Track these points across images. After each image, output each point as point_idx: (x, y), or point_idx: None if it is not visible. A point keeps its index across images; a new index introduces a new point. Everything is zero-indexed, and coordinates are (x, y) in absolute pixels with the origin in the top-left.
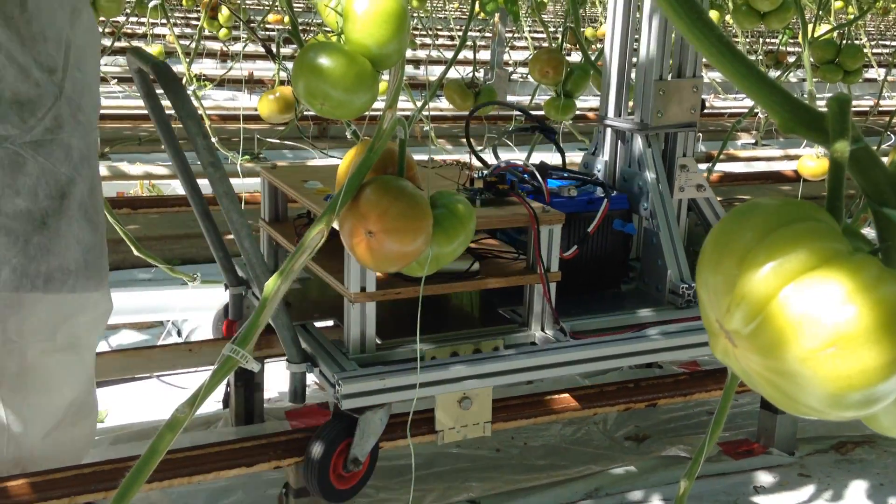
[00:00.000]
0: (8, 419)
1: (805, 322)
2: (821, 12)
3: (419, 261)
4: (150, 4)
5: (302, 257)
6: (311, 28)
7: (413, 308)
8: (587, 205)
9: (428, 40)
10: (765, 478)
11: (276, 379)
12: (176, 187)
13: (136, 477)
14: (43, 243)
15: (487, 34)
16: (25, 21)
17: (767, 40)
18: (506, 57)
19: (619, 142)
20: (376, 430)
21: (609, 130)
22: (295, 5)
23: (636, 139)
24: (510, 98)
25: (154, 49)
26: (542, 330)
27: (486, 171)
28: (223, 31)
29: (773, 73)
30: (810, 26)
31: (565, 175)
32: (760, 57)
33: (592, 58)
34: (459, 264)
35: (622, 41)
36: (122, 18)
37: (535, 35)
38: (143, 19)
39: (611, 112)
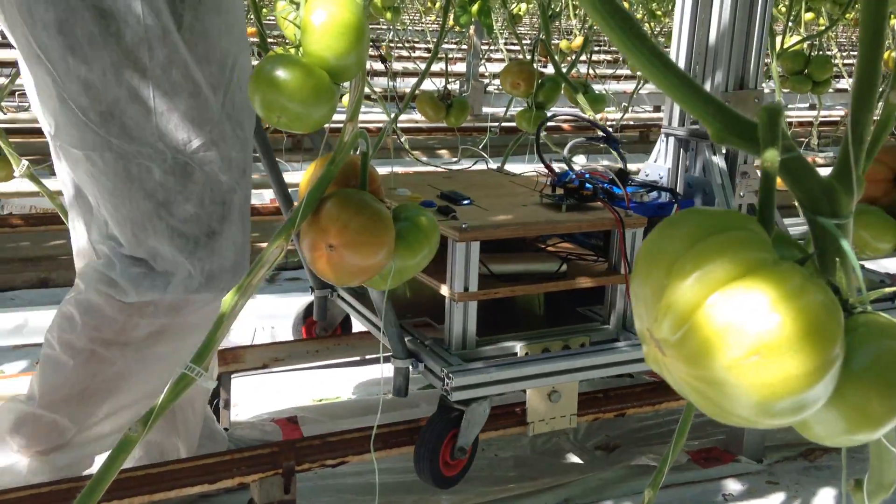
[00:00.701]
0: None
1: (729, 331)
2: (791, 24)
3: (382, 274)
4: None
5: (260, 272)
6: (284, 41)
7: (500, 308)
8: (658, 209)
9: (405, 52)
10: (733, 486)
11: (244, 394)
12: None
13: (89, 497)
14: (211, 245)
15: (464, 46)
16: (196, 42)
17: None
18: (482, 69)
19: (682, 150)
20: (480, 421)
21: (671, 139)
22: (267, 21)
23: (701, 147)
24: (486, 110)
25: None
26: (624, 328)
27: (557, 179)
28: None
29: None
30: (780, 38)
31: (636, 181)
32: None
33: (565, 70)
34: (550, 266)
35: (687, 54)
36: None
37: (511, 47)
38: None
39: (674, 122)
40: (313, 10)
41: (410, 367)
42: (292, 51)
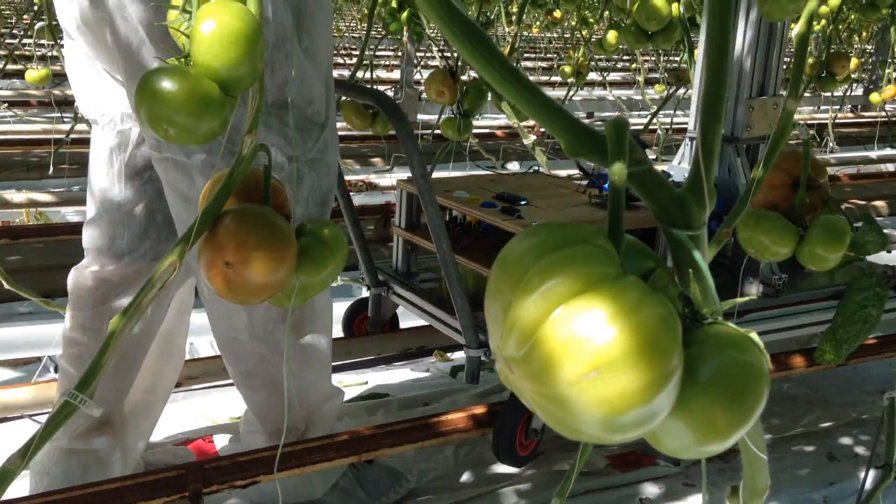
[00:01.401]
0: (296, 381)
1: (570, 347)
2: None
3: (285, 292)
4: (37, 26)
5: (151, 293)
6: None
7: None
8: None
9: (340, 60)
10: (650, 489)
11: (164, 411)
12: (65, 215)
13: None
14: None
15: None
16: (310, 61)
17: (670, 58)
18: (417, 76)
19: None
20: None
21: (695, 142)
22: None
23: (725, 150)
24: (420, 117)
25: (42, 72)
26: None
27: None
28: None
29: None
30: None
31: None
32: (664, 75)
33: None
34: None
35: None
36: (13, 40)
37: (449, 54)
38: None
39: (699, 126)
40: (203, 19)
41: (483, 355)
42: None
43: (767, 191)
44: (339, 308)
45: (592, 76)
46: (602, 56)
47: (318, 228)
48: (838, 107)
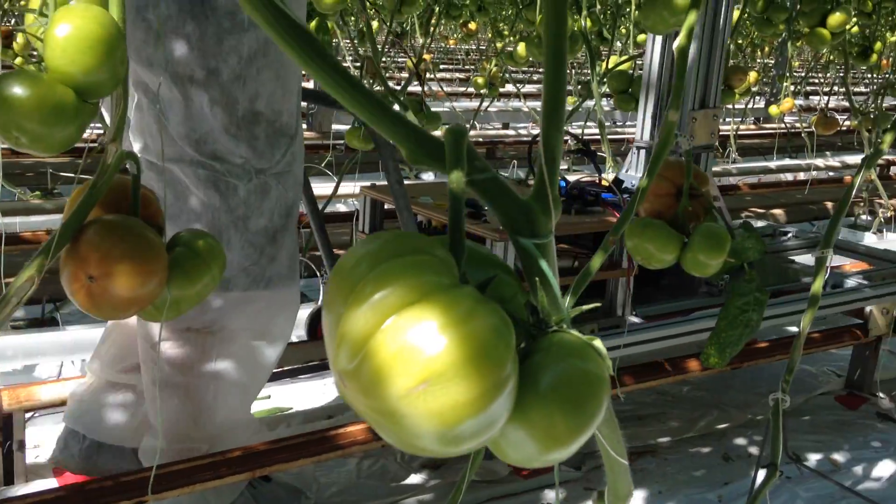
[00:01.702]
0: (210, 396)
1: (399, 359)
2: (621, 44)
3: (156, 305)
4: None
5: (7, 308)
6: None
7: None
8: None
9: None
10: (552, 495)
11: (41, 434)
12: None
13: None
14: (272, 253)
15: None
16: (280, 75)
17: (584, 70)
18: None
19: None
20: None
21: (643, 152)
22: None
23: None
24: (335, 127)
25: None
26: (623, 315)
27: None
28: (19, 60)
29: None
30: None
31: (624, 189)
32: (578, 86)
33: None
34: (566, 262)
35: (658, 82)
36: None
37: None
38: None
39: (646, 136)
40: (57, 22)
41: None
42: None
43: (653, 200)
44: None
45: (510, 87)
46: (521, 68)
47: (192, 240)
48: (740, 119)
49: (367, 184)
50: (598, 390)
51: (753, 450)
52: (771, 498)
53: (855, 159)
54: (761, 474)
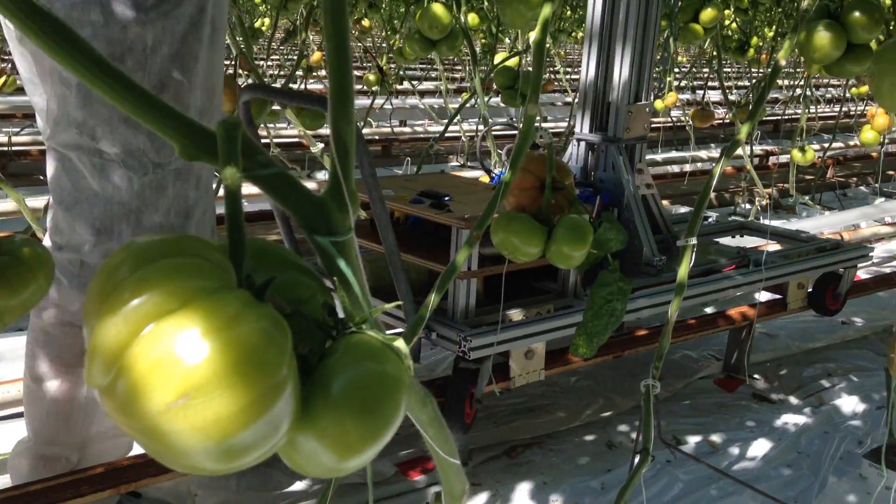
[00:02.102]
0: (83, 397)
1: (156, 372)
2: (509, 40)
3: None
4: None
5: None
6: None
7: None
8: (586, 200)
9: None
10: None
11: None
12: None
13: None
14: None
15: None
16: (192, 68)
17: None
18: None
19: (590, 152)
20: (486, 375)
21: (582, 144)
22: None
23: (609, 150)
24: None
25: None
26: (575, 296)
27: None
28: None
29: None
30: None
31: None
32: (470, 84)
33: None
34: None
35: (595, 77)
36: None
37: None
38: None
39: (585, 129)
40: None
41: (424, 336)
42: None
43: (518, 193)
44: None
45: (409, 85)
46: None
47: (16, 247)
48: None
49: None
50: (394, 393)
51: (635, 436)
52: (652, 482)
53: (736, 151)
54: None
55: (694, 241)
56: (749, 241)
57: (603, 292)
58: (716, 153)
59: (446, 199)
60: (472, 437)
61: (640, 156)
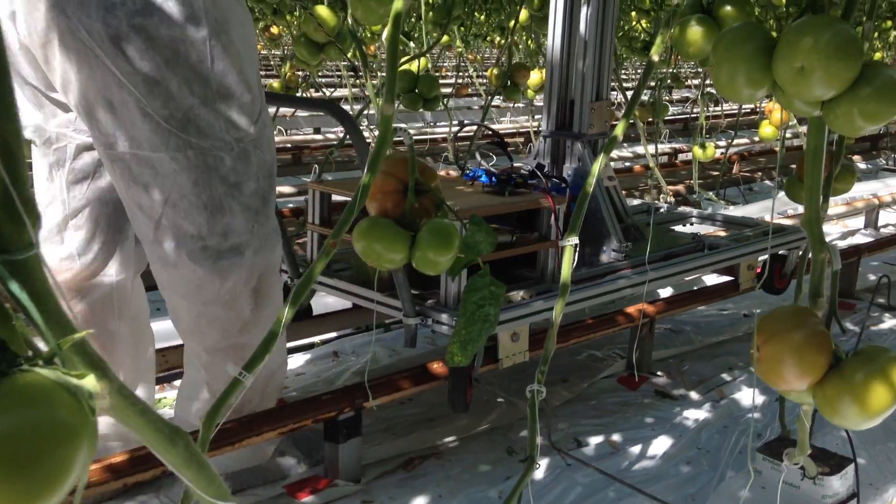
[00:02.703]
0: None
1: None
2: (413, 44)
3: None
4: None
5: None
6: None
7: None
8: (558, 192)
9: None
10: None
11: None
12: None
13: None
14: (266, 212)
15: None
16: (243, 49)
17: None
18: None
19: (556, 148)
20: (480, 357)
21: (549, 140)
22: None
23: (575, 145)
24: None
25: None
26: (553, 281)
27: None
28: None
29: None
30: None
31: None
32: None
33: None
34: (506, 237)
35: (560, 78)
36: None
37: None
38: None
39: (552, 127)
40: None
41: (419, 323)
42: None
43: (381, 198)
44: None
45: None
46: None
47: None
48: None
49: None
50: (59, 445)
51: (540, 440)
52: (551, 486)
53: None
54: (543, 466)
55: (576, 240)
56: (699, 229)
57: (475, 297)
58: (627, 153)
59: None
60: (367, 452)
61: (602, 151)
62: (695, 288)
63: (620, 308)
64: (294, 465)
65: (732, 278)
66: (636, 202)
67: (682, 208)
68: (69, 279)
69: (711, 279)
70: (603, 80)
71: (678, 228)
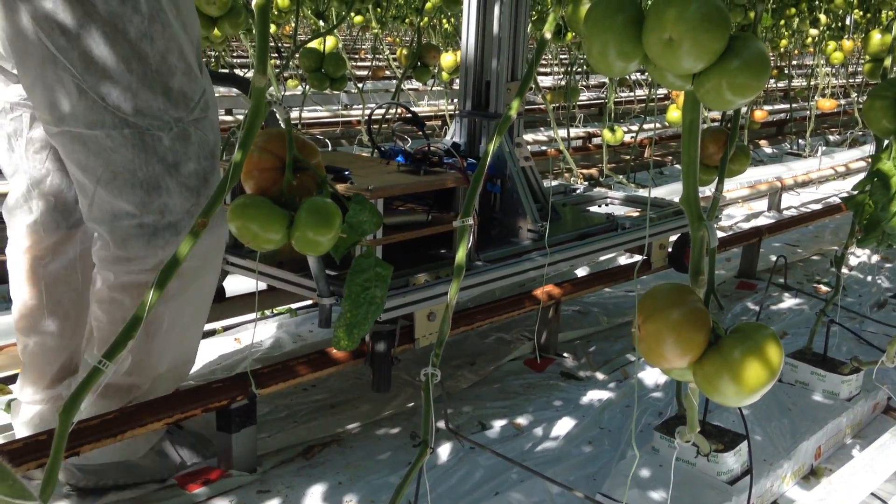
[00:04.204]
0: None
1: None
2: (322, 22)
3: None
4: None
5: None
6: None
7: (391, 251)
8: (473, 172)
9: None
10: (222, 503)
11: None
12: None
13: None
14: (207, 193)
15: None
16: (186, 28)
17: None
18: None
19: (473, 128)
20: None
21: (466, 120)
22: None
23: (491, 125)
24: None
25: None
26: (470, 259)
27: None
28: None
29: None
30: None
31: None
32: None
33: None
34: (421, 217)
35: (475, 59)
36: None
37: None
38: None
39: (468, 107)
40: None
41: (334, 302)
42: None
43: (258, 175)
44: None
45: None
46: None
47: None
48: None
49: None
50: None
51: (441, 424)
52: (455, 469)
53: (562, 133)
54: (445, 450)
55: (470, 221)
56: (612, 210)
57: (359, 279)
58: (542, 136)
59: (346, 173)
60: (265, 441)
61: (518, 131)
62: (609, 268)
63: (531, 289)
64: (174, 467)
65: (645, 258)
66: (554, 183)
67: (597, 189)
68: (35, 246)
69: (624, 260)
70: (518, 61)
71: (593, 209)
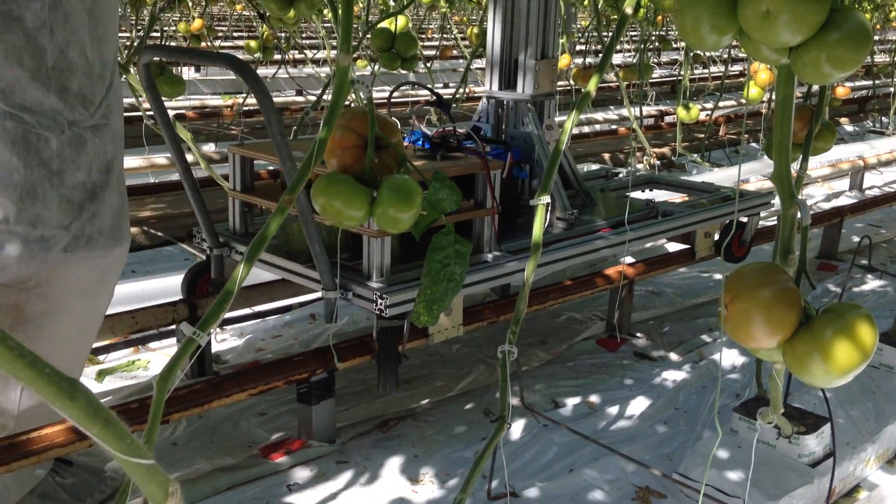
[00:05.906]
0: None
1: None
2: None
3: None
4: None
5: None
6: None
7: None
8: (497, 157)
9: None
10: (301, 473)
11: None
12: None
13: None
14: (93, 210)
15: None
16: (96, 24)
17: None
18: None
19: (500, 110)
20: (408, 331)
21: (493, 101)
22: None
23: (519, 107)
24: None
25: None
26: (490, 251)
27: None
28: None
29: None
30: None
31: (482, 137)
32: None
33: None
34: None
35: (502, 37)
36: None
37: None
38: None
39: (495, 87)
40: None
41: (339, 296)
42: None
43: (341, 154)
44: None
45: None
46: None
47: None
48: None
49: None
50: None
51: (515, 401)
52: (528, 446)
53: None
54: (519, 427)
55: (547, 199)
56: (659, 195)
57: (439, 256)
58: (613, 115)
59: None
60: (343, 414)
61: (550, 112)
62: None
63: (601, 269)
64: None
65: (689, 246)
66: (595, 167)
67: (640, 174)
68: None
69: (672, 247)
70: (549, 37)
71: (636, 195)
